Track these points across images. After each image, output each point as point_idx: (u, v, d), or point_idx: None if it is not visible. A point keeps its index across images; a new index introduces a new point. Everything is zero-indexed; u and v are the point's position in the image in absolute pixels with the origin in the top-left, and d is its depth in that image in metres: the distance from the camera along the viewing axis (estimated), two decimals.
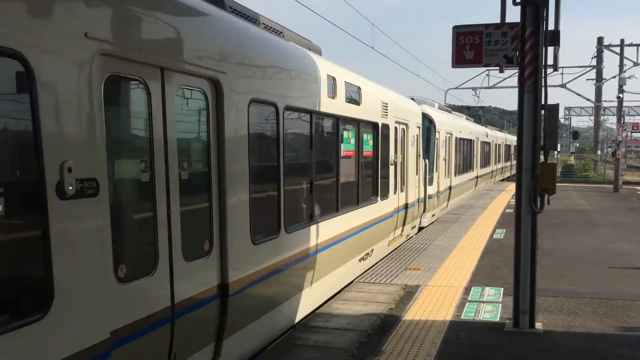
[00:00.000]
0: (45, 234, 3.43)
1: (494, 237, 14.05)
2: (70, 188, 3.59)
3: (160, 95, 4.57)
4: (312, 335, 6.86)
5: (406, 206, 13.24)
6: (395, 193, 12.19)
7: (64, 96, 3.55)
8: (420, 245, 12.82)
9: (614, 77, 38.70)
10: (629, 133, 48.16)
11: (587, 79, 43.55)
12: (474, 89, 45.85)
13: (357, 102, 9.52)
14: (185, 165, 4.99)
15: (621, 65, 37.91)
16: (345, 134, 9.17)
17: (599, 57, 41.19)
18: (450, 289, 8.99)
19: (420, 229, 15.37)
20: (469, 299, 8.48)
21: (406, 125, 13.06)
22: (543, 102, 6.96)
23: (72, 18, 3.62)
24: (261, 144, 6.53)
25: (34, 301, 3.44)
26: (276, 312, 6.77)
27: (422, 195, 14.97)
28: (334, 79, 8.46)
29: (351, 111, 9.22)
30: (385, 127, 11.26)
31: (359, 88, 9.62)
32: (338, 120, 8.71)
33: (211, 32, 5.40)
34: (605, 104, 45.68)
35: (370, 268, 10.43)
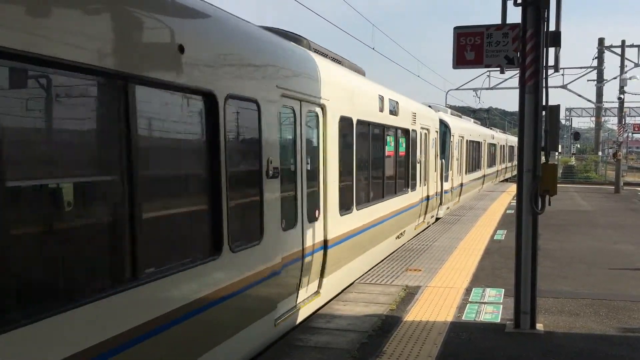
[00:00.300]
0: (261, 198, 6.24)
1: (494, 238, 14.04)
2: (270, 173, 6.36)
3: (299, 116, 7.37)
4: (312, 336, 6.86)
5: (427, 198, 15.72)
6: (420, 186, 14.62)
7: (269, 120, 6.39)
8: (421, 246, 12.82)
9: (615, 78, 38.77)
10: (630, 134, 48.20)
11: (588, 80, 43.58)
12: (474, 89, 45.86)
13: (395, 114, 11.96)
14: (308, 161, 7.72)
15: (622, 66, 37.94)
16: (388, 138, 11.76)
17: (600, 58, 41.20)
18: (451, 290, 8.99)
19: (437, 219, 17.42)
20: (469, 300, 8.47)
21: (428, 130, 15.52)
22: (544, 103, 6.96)
23: (273, 80, 6.57)
24: (344, 147, 8.98)
25: (256, 234, 6.16)
26: (352, 264, 9.51)
27: (439, 190, 17.36)
28: (382, 97, 11.00)
29: (392, 121, 11.75)
30: (414, 132, 13.80)
31: (397, 102, 12.10)
32: (384, 128, 11.28)
33: (322, 75, 8.13)
34: (606, 105, 45.63)
35: (370, 269, 10.43)
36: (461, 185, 21.95)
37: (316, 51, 8.81)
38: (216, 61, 5.34)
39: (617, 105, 35.09)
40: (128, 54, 4.13)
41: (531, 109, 6.96)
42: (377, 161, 11.06)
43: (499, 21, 7.34)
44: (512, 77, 40.23)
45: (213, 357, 5.31)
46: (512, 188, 28.56)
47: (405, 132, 13.00)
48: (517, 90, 7.14)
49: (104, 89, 4.08)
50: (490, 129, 37.71)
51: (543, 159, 7.04)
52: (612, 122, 61.15)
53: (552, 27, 7.00)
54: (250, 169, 6.12)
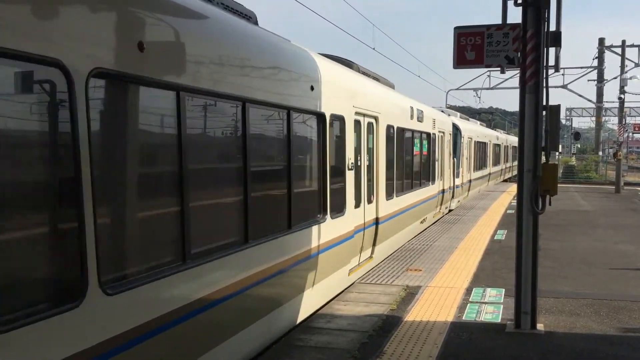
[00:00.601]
0: (344, 184, 8.72)
1: (495, 238, 14.04)
2: (349, 166, 8.90)
3: (363, 126, 9.87)
4: (313, 336, 6.86)
5: (443, 191, 18.26)
6: (437, 181, 17.21)
7: (349, 129, 8.94)
8: (421, 246, 12.82)
9: (615, 78, 38.77)
10: (630, 134, 48.19)
11: (588, 80, 43.68)
12: (475, 90, 45.86)
13: (421, 120, 14.68)
14: (367, 159, 10.17)
15: (622, 66, 37.94)
16: (416, 140, 14.32)
17: (600, 58, 41.20)
18: (451, 290, 8.99)
19: (450, 211, 19.67)
20: (470, 300, 8.47)
21: (443, 132, 18.16)
22: (544, 103, 6.96)
23: (351, 101, 9.08)
24: (389, 149, 11.48)
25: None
26: (395, 237, 12.25)
27: (452, 185, 19.92)
28: (412, 107, 13.72)
29: (419, 126, 14.41)
30: (434, 135, 16.47)
31: (422, 111, 14.81)
32: (413, 132, 13.85)
33: (375, 93, 10.83)
34: (606, 105, 45.62)
35: (371, 269, 10.43)
36: (470, 181, 24.42)
37: (363, 73, 11.03)
38: (338, 94, 8.58)
39: (617, 105, 35.09)
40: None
41: (532, 108, 6.96)
42: (409, 159, 13.73)
43: (499, 21, 7.35)
44: (512, 77, 40.31)
45: (327, 284, 8.31)
46: (512, 188, 28.56)
47: (428, 135, 15.72)
48: (518, 90, 7.14)
49: None
50: (495, 130, 39.82)
51: (543, 158, 7.04)
52: (612, 122, 61.21)
53: (552, 27, 7.01)
54: (340, 164, 8.64)
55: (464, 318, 7.62)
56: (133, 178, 4.31)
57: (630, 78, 33.24)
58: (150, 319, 4.21)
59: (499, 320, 7.52)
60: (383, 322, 7.39)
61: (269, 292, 6.52)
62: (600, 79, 41.95)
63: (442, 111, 20.14)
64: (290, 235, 6.89)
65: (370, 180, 10.41)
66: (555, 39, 7.02)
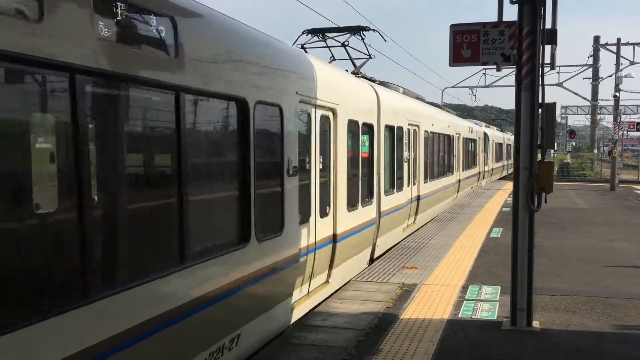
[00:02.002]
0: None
1: (491, 235, 14.07)
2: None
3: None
4: (309, 334, 6.86)
5: (479, 172, 29.25)
6: (478, 167, 26.94)
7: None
8: (417, 244, 12.83)
9: (610, 76, 38.83)
10: (625, 132, 48.29)
11: (583, 78, 43.63)
12: (470, 87, 45.94)
13: (471, 131, 22.48)
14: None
15: (617, 64, 38.01)
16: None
17: (595, 56, 41.28)
18: (447, 288, 9.00)
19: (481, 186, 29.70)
20: (466, 297, 8.49)
21: (479, 138, 28.62)
22: (540, 101, 6.97)
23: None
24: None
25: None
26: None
27: (483, 170, 30.96)
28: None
29: (467, 134, 21.72)
30: (473, 140, 25.56)
31: (471, 127, 23.23)
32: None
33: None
34: (601, 103, 45.79)
35: (367, 267, 10.43)
36: (492, 169, 36.42)
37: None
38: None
39: (612, 103, 35.18)
40: None
41: (527, 106, 6.97)
42: (469, 154, 22.96)
43: (495, 19, 7.35)
44: (508, 75, 40.37)
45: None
46: (508, 186, 28.64)
47: (473, 140, 25.30)
48: (513, 88, 7.15)
49: None
50: (504, 132, 51.07)
51: (539, 156, 7.05)
52: (607, 119, 61.35)
53: (548, 25, 7.01)
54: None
55: (460, 315, 7.63)
56: (434, 161, 9.95)
57: (626, 76, 33.37)
58: (438, 187, 15.93)
59: (495, 318, 7.53)
60: (379, 319, 7.39)
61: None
62: (596, 77, 42.04)
63: (475, 123, 31.88)
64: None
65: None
66: (551, 37, 7.03)
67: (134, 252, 4.49)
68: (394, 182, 12.40)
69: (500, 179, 40.03)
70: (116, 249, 4.34)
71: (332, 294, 8.60)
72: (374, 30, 13.27)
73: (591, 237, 13.98)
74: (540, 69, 6.94)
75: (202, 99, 5.17)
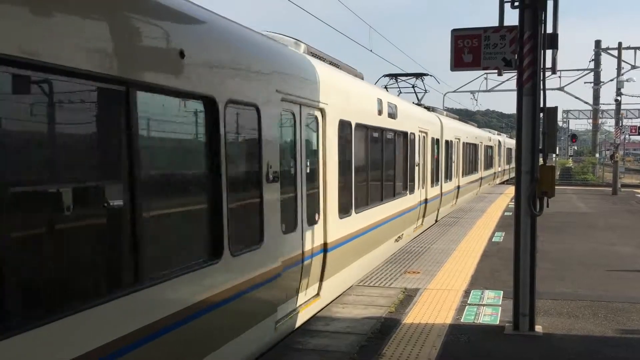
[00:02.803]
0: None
1: (493, 240, 14.05)
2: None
3: (442, 142, 16.85)
4: (312, 339, 6.85)
5: (495, 172, 36.04)
6: (494, 168, 34.95)
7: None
8: (420, 248, 12.82)
9: (611, 80, 38.81)
10: (627, 136, 48.28)
11: (585, 82, 43.68)
12: (472, 92, 45.99)
13: (489, 139, 30.48)
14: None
15: (619, 68, 37.93)
16: (477, 150, 25.93)
17: (596, 60, 41.33)
18: (449, 292, 8.98)
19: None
20: (468, 302, 8.47)
21: (495, 145, 35.19)
22: (542, 105, 6.98)
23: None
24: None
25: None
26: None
27: (497, 170, 37.39)
28: (474, 131, 28.33)
29: (487, 142, 29.99)
30: (491, 147, 32.97)
31: (490, 137, 31.79)
32: (481, 144, 28.09)
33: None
34: (603, 107, 45.83)
35: (369, 272, 10.42)
36: (504, 170, 41.84)
37: (447, 115, 16.47)
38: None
39: (614, 107, 35.15)
40: None
41: (529, 111, 6.97)
42: (488, 158, 29.76)
43: (492, 23, 7.37)
44: (509, 79, 40.28)
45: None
46: (510, 190, 28.58)
47: (490, 147, 30.94)
48: (515, 93, 7.15)
49: None
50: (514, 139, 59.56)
51: (541, 160, 7.05)
52: (609, 124, 61.35)
53: (549, 30, 7.02)
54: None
55: (462, 320, 7.62)
56: (469, 163, 15.89)
57: (627, 80, 33.33)
58: (473, 181, 25.51)
59: (498, 322, 7.52)
60: (382, 324, 7.38)
61: None
62: (597, 81, 42.08)
63: (490, 132, 38.80)
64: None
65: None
66: (552, 41, 7.04)
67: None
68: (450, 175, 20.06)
69: (509, 179, 44.40)
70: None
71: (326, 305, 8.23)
72: (430, 75, 19.68)
73: (593, 241, 13.95)
74: (542, 73, 6.95)
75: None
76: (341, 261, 8.89)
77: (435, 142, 17.31)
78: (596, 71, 41.65)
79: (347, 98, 9.37)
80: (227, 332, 5.59)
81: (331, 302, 8.48)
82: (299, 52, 8.19)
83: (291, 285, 7.16)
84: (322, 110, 8.17)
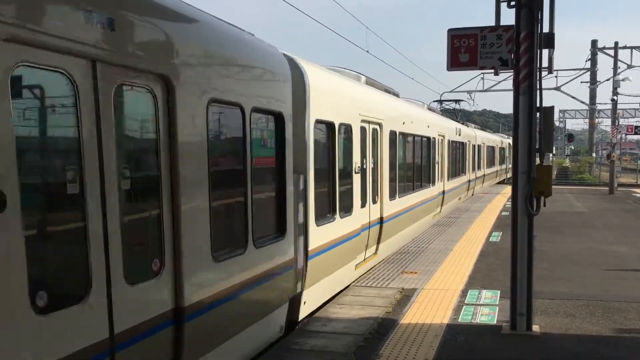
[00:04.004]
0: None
1: (490, 240, 14.05)
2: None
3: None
4: (309, 339, 6.84)
5: (498, 170, 40.82)
6: (499, 166, 40.42)
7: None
8: (417, 248, 12.82)
9: (608, 79, 38.89)
10: (623, 135, 48.34)
11: (581, 82, 43.74)
12: (468, 92, 46.04)
13: (500, 142, 40.22)
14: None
15: (615, 68, 38.07)
16: (488, 153, 32.99)
17: (593, 60, 41.35)
18: (447, 292, 8.98)
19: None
20: (466, 302, 8.47)
21: (503, 147, 42.46)
22: (538, 105, 6.97)
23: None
24: (488, 154, 33.87)
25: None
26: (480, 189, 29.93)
27: (509, 166, 38.24)
28: (492, 137, 37.23)
29: (500, 145, 39.88)
30: (502, 149, 41.75)
31: (502, 140, 41.63)
32: (496, 146, 38.26)
33: (467, 130, 26.19)
34: (599, 107, 45.85)
35: (366, 272, 10.42)
36: (507, 169, 44.80)
37: (466, 124, 22.76)
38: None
39: (610, 106, 35.23)
40: None
41: (525, 110, 6.97)
42: (503, 158, 40.93)
43: (486, 23, 7.36)
44: (506, 79, 40.34)
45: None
46: (507, 190, 28.66)
47: (498, 149, 38.48)
48: (511, 92, 7.15)
49: None
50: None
51: (538, 160, 7.05)
52: (605, 123, 61.44)
53: (545, 29, 7.02)
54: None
55: (459, 320, 7.61)
56: (488, 161, 20.43)
57: (623, 79, 33.41)
58: (485, 174, 32.89)
59: (495, 322, 7.51)
60: (379, 325, 7.37)
61: None
62: (593, 81, 42.11)
63: (497, 134, 47.50)
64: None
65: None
66: (549, 41, 7.04)
67: None
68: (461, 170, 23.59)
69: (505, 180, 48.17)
70: None
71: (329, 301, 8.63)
72: (465, 100, 27.27)
73: (590, 241, 13.97)
74: (538, 72, 6.95)
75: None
76: (390, 231, 11.98)
77: (473, 147, 26.84)
78: (592, 71, 41.68)
79: (394, 114, 12.44)
80: (345, 258, 9.05)
81: (330, 301, 8.48)
82: (361, 82, 10.99)
83: (363, 242, 10.13)
84: (379, 124, 11.17)
